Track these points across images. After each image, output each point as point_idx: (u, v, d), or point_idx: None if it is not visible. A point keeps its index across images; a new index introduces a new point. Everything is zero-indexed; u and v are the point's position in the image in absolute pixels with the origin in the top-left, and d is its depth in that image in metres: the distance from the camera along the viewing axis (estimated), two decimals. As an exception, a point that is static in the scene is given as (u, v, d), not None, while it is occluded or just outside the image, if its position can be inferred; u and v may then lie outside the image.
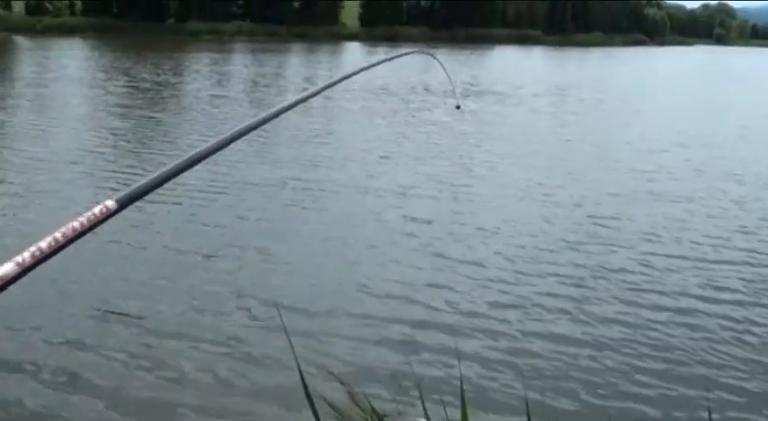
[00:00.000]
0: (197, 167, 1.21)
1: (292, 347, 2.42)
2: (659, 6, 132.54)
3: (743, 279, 7.21)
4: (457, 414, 1.81)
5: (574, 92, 28.47)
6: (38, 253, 0.90)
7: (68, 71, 27.28)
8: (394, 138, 15.10)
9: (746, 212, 9.93)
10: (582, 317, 6.10)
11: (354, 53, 51.48)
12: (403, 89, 25.34)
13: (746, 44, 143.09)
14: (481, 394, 4.76)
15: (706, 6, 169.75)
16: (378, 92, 24.13)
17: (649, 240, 8.38)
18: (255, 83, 26.46)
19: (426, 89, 25.54)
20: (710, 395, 4.75)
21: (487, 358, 5.31)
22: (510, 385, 4.93)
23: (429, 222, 8.77)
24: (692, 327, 5.97)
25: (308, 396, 1.66)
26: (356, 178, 11.07)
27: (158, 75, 26.69)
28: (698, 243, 8.35)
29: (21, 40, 46.69)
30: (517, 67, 43.97)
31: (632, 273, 7.26)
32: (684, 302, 6.53)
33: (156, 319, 5.73)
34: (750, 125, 20.07)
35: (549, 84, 31.34)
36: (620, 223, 9.08)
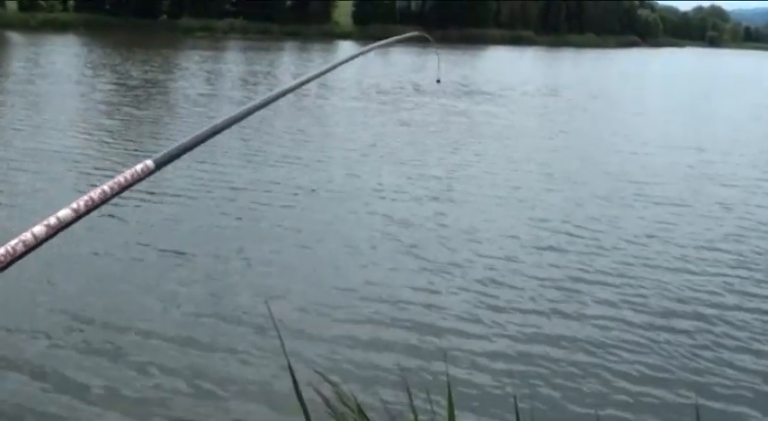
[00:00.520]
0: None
1: (283, 345, 2.43)
2: (652, 8, 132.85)
3: (728, 282, 7.20)
4: (444, 412, 1.83)
5: (564, 93, 28.47)
6: (90, 202, 0.99)
7: (57, 67, 27.11)
8: (379, 138, 15.02)
9: (732, 216, 9.88)
10: (567, 319, 6.10)
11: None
12: (392, 89, 25.30)
13: (739, 46, 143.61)
14: (468, 392, 4.78)
15: (699, 9, 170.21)
16: (367, 91, 24.08)
17: (633, 244, 8.33)
18: (245, 81, 26.37)
19: (416, 89, 25.51)
20: (698, 398, 4.75)
21: (474, 357, 5.31)
22: (497, 384, 4.94)
23: (412, 224, 8.69)
24: (678, 330, 5.98)
25: (299, 394, 1.66)
26: (338, 179, 11.00)
27: (147, 72, 26.54)
28: (683, 247, 8.31)
29: (13, 36, 46.43)
30: (508, 68, 43.99)
31: (616, 275, 7.22)
32: (668, 306, 6.50)
33: (133, 319, 5.66)
34: (740, 128, 20.11)
35: (540, 84, 31.34)
36: (604, 227, 9.01)
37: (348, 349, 5.37)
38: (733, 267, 7.71)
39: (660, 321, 6.15)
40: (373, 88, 25.13)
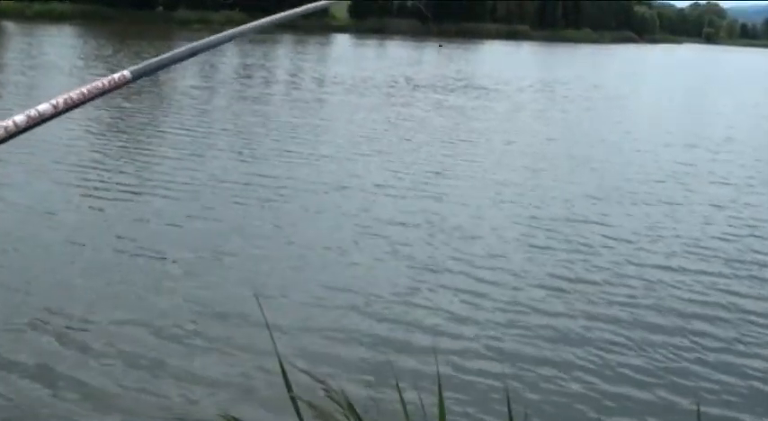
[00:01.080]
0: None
1: (273, 340, 2.43)
2: (649, 6, 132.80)
3: (720, 281, 7.19)
4: (435, 409, 1.83)
5: (559, 88, 28.44)
6: (69, 100, 1.04)
7: (48, 58, 26.96)
8: (370, 133, 14.95)
9: (725, 215, 9.84)
10: (557, 316, 6.09)
11: (342, 46, 51.25)
12: (385, 83, 25.23)
13: (735, 43, 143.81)
14: (459, 386, 4.78)
15: (695, 6, 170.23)
16: (360, 85, 24.02)
17: (627, 242, 8.28)
18: (237, 74, 26.25)
19: (409, 83, 25.45)
20: (697, 399, 4.75)
21: (464, 353, 5.31)
22: (489, 381, 4.92)
23: (400, 220, 8.62)
24: (674, 331, 5.95)
25: (289, 388, 1.67)
26: (327, 174, 10.94)
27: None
28: (675, 246, 8.26)
29: (8, 26, 46.19)
30: (503, 62, 43.90)
31: (606, 274, 7.18)
32: (661, 304, 6.48)
33: (117, 314, 5.61)
34: (737, 125, 20.11)
35: (535, 79, 31.30)
36: (596, 226, 8.95)
37: (336, 345, 5.35)
38: (725, 264, 7.69)
39: (655, 320, 6.14)
40: (367, 82, 25.07)
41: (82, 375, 4.72)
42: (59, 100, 1.04)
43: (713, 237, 8.74)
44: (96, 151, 11.64)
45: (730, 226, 9.33)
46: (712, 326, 6.12)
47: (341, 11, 79.75)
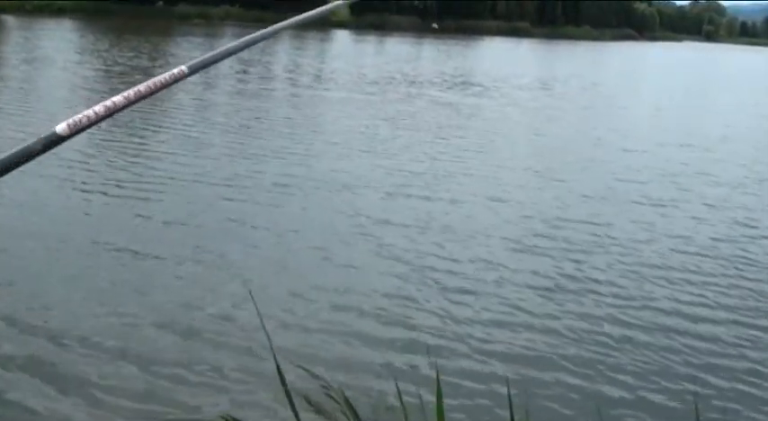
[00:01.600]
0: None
1: (269, 337, 2.40)
2: (650, 3, 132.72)
3: (713, 282, 7.16)
4: (432, 405, 1.82)
5: (557, 86, 28.34)
6: (138, 93, 1.10)
7: (43, 52, 26.78)
8: (364, 130, 14.81)
9: (719, 216, 9.75)
10: (557, 316, 6.07)
11: (341, 42, 51.08)
12: (383, 79, 25.11)
13: (735, 41, 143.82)
14: (457, 385, 4.77)
15: (695, 4, 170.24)
16: (357, 81, 23.91)
17: (620, 244, 8.18)
18: (231, 68, 26.08)
19: (407, 80, 25.33)
20: (697, 389, 4.82)
21: (463, 351, 5.30)
22: (487, 380, 4.90)
23: (393, 220, 8.52)
24: (671, 329, 5.95)
25: (285, 386, 1.66)
26: (319, 172, 10.82)
27: (133, 58, 26.24)
28: (672, 246, 8.20)
29: (8, 20, 46.01)
30: (502, 59, 43.77)
31: (602, 273, 7.14)
32: (660, 304, 6.47)
33: (110, 313, 5.57)
34: (734, 124, 20.01)
35: (533, 77, 31.16)
36: (590, 227, 8.83)
37: (331, 344, 5.32)
38: (718, 265, 7.65)
39: (654, 320, 6.12)
40: (363, 79, 24.95)
41: (77, 375, 4.68)
42: (131, 92, 1.10)
43: (712, 238, 8.66)
44: (88, 147, 11.51)
45: (728, 226, 9.25)
46: (711, 326, 6.09)
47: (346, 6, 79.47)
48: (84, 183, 9.30)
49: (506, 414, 1.85)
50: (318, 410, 1.65)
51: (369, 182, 10.34)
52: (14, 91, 17.33)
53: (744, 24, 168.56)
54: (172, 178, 9.80)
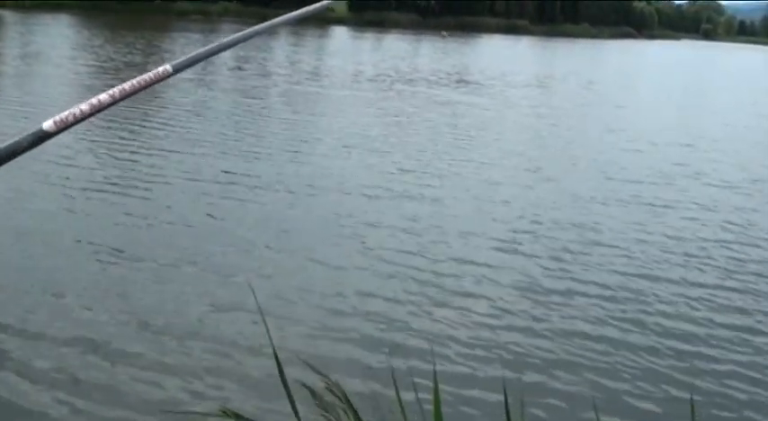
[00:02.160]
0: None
1: (269, 333, 2.33)
2: (648, 2, 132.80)
3: (708, 283, 7.09)
4: (430, 404, 1.79)
5: (554, 84, 28.24)
6: (122, 91, 1.11)
7: (37, 47, 26.64)
8: (359, 129, 14.67)
9: (716, 217, 9.65)
10: (557, 316, 6.04)
11: (340, 38, 50.94)
12: (379, 77, 24.99)
13: (733, 40, 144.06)
14: (455, 383, 4.77)
15: (694, 2, 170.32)
16: (354, 79, 23.80)
17: (614, 245, 8.08)
18: (225, 65, 25.95)
19: (404, 77, 25.21)
20: (693, 390, 4.77)
21: (460, 350, 5.30)
22: (485, 377, 4.91)
23: (388, 220, 8.40)
24: (660, 330, 5.91)
25: (284, 382, 1.65)
26: (308, 170, 10.70)
27: (127, 54, 26.07)
28: (664, 248, 8.09)
29: (5, 15, 45.83)
30: (501, 57, 43.65)
31: (598, 275, 7.06)
32: (650, 306, 6.39)
33: (109, 309, 5.53)
34: (733, 123, 19.91)
35: (530, 74, 31.05)
36: (592, 225, 8.76)
37: (330, 341, 5.30)
38: (714, 266, 7.58)
39: (653, 320, 6.08)
40: (360, 76, 24.82)
41: (75, 371, 4.65)
42: (116, 90, 1.11)
43: (710, 239, 8.56)
44: (80, 146, 11.38)
45: (724, 227, 9.16)
46: (707, 327, 6.04)
47: (340, 4, 79.43)
48: (68, 178, 9.17)
49: (502, 413, 1.80)
50: (317, 405, 1.64)
51: (361, 182, 10.22)
52: (5, 87, 17.18)
53: (742, 23, 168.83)
54: (160, 176, 9.68)
